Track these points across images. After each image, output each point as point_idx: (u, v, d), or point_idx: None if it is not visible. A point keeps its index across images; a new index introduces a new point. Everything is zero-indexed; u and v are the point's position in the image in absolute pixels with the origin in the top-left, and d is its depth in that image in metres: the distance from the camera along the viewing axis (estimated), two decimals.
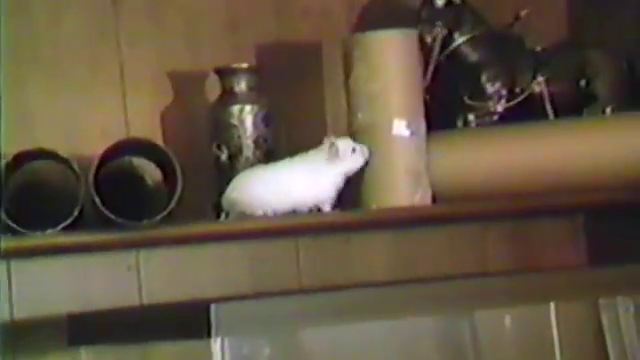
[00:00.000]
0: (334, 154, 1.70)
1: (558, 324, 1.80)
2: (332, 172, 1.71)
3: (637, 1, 1.97)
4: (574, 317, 1.92)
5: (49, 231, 1.58)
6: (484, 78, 1.89)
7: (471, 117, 1.89)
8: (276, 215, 1.70)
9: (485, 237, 2.01)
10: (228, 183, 1.73)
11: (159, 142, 1.70)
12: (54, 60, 1.76)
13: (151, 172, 1.69)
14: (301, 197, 1.69)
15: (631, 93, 1.91)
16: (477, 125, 1.89)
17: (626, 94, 1.91)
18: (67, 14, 1.77)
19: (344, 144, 1.71)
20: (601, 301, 1.81)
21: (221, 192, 1.75)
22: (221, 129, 1.74)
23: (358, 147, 1.72)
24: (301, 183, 1.69)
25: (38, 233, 1.57)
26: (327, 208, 1.71)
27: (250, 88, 1.75)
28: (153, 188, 1.71)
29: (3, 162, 1.59)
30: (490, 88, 1.90)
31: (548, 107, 1.88)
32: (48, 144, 1.62)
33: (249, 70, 1.76)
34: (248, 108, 1.74)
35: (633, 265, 1.76)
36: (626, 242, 2.00)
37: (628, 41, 1.96)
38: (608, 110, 1.88)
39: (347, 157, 1.71)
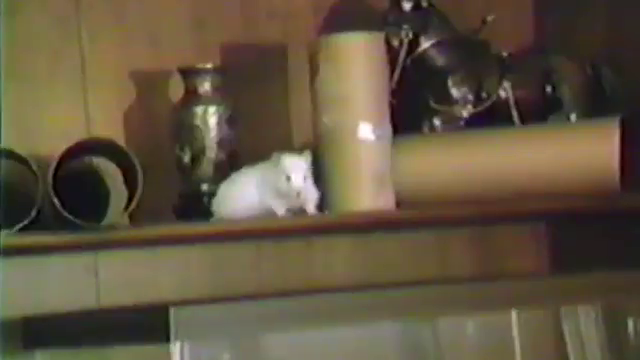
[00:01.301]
0: (279, 168, 1.67)
1: (520, 331, 1.80)
2: (280, 185, 1.68)
3: (603, 8, 1.98)
4: (536, 325, 1.91)
5: (5, 232, 1.55)
6: (450, 83, 1.89)
7: (437, 122, 1.89)
8: (237, 219, 1.69)
9: (448, 242, 2.01)
10: (190, 185, 1.72)
11: (120, 142, 1.68)
12: (13, 56, 1.73)
13: (111, 172, 1.66)
14: (252, 206, 1.67)
15: (596, 100, 1.91)
16: (443, 130, 1.88)
17: (591, 101, 1.91)
18: (27, 9, 1.74)
19: (289, 159, 1.67)
20: (563, 309, 1.81)
21: (182, 194, 1.73)
22: (184, 130, 1.72)
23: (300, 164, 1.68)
24: (252, 192, 1.67)
25: None
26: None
27: (214, 89, 1.73)
28: (113, 189, 1.68)
29: None
30: (456, 93, 1.89)
31: (514, 113, 1.88)
32: (6, 142, 1.60)
33: (213, 70, 1.74)
34: (212, 109, 1.72)
35: (595, 273, 1.77)
36: (588, 250, 2.00)
37: (593, 48, 1.97)
38: (573, 116, 1.89)
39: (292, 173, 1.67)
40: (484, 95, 1.89)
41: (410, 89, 1.88)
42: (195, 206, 1.71)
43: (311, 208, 1.69)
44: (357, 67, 1.77)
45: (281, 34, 1.89)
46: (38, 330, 1.58)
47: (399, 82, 1.87)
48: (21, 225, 1.56)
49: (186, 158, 1.72)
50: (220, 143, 1.72)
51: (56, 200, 1.55)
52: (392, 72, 1.86)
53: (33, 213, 1.56)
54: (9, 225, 1.56)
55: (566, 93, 1.89)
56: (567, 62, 1.91)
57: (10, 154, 1.58)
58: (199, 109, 1.72)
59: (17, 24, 1.73)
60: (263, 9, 1.89)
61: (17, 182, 1.61)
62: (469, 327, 1.83)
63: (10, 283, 1.69)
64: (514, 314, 1.79)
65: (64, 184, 1.58)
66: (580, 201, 1.81)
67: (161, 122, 1.77)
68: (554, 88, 1.89)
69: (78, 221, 1.56)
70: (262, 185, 1.67)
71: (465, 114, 1.89)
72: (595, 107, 1.90)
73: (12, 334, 1.60)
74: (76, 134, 1.69)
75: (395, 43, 1.87)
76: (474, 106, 1.89)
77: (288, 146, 1.89)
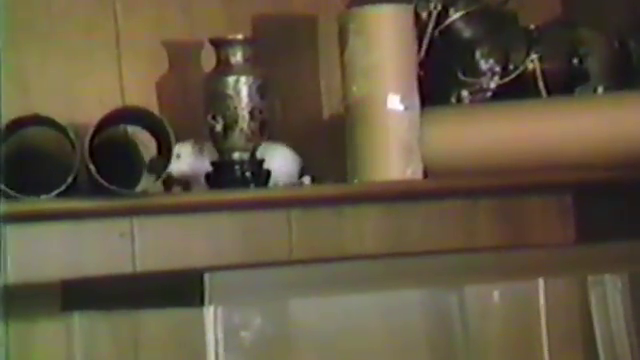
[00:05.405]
0: None
1: (546, 300, 1.82)
2: None
3: None
4: (562, 293, 1.93)
5: (43, 197, 1.58)
6: (478, 55, 1.90)
7: (464, 93, 1.90)
8: (267, 187, 1.72)
9: (475, 213, 2.02)
10: (222, 154, 1.74)
11: (154, 111, 1.70)
12: (50, 27, 1.76)
13: (145, 141, 1.69)
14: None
15: (623, 72, 1.92)
16: (470, 101, 1.90)
17: (618, 73, 1.92)
18: None
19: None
20: (589, 278, 1.82)
21: (214, 162, 1.76)
22: (216, 99, 1.74)
23: None
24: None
25: (33, 198, 1.57)
26: None
27: (246, 59, 1.75)
28: (147, 156, 1.71)
29: None
30: (484, 65, 1.91)
31: (541, 85, 1.90)
32: (43, 110, 1.62)
33: (245, 41, 1.75)
34: (243, 79, 1.74)
35: (622, 243, 1.78)
36: (613, 220, 2.01)
37: (621, 20, 1.97)
38: (600, 89, 1.89)
39: None
40: (511, 67, 1.90)
41: (438, 61, 1.89)
42: (227, 174, 1.74)
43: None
44: (386, 39, 1.79)
45: (311, 6, 1.91)
46: (76, 293, 1.61)
47: (427, 54, 1.88)
48: (59, 191, 1.58)
49: (218, 127, 1.74)
50: (252, 113, 1.74)
51: (92, 167, 1.58)
52: (420, 44, 1.87)
53: (70, 179, 1.59)
54: (47, 191, 1.59)
55: (593, 65, 1.90)
56: (595, 34, 1.92)
57: (49, 122, 1.61)
58: (231, 79, 1.74)
59: None
60: None
61: (55, 149, 1.63)
62: (496, 295, 1.85)
63: (49, 247, 1.72)
64: (541, 283, 1.80)
65: (100, 152, 1.61)
66: (605, 172, 1.82)
67: (194, 92, 1.79)
68: (581, 60, 1.90)
69: (113, 187, 1.58)
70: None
71: (492, 86, 1.90)
72: (622, 79, 1.91)
73: (51, 296, 1.63)
74: (111, 103, 1.70)
75: (424, 15, 1.88)
76: (501, 78, 1.90)
77: (318, 116, 1.92)
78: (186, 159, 1.74)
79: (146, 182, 1.63)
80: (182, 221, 1.80)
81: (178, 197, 1.69)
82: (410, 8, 1.83)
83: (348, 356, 1.71)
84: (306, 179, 1.79)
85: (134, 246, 1.77)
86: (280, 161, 1.77)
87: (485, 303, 1.84)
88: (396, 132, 1.79)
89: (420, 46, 1.87)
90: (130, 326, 1.71)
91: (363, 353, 1.73)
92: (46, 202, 1.58)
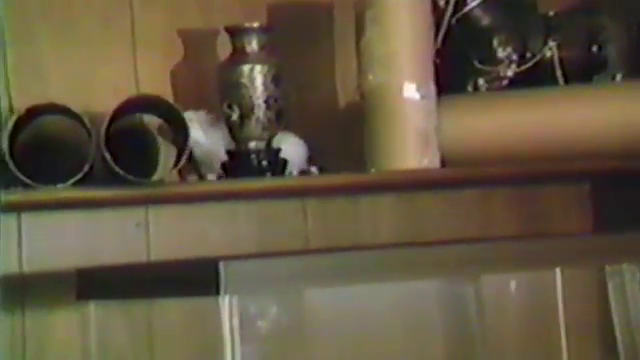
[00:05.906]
0: None
1: (563, 290, 1.81)
2: None
3: None
4: (580, 283, 1.92)
5: (59, 185, 1.58)
6: (495, 42, 1.89)
7: (481, 81, 1.89)
8: (283, 176, 1.71)
9: (492, 202, 2.02)
10: (238, 143, 1.74)
11: (169, 100, 1.70)
12: (65, 16, 1.76)
13: (161, 130, 1.69)
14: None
15: None
16: (487, 89, 1.89)
17: (637, 61, 1.91)
18: None
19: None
20: (607, 268, 1.81)
21: (230, 151, 1.75)
22: (232, 88, 1.74)
23: None
24: None
25: (49, 186, 1.58)
26: None
27: (261, 48, 1.75)
28: (162, 145, 1.70)
29: (15, 116, 1.60)
30: (501, 52, 1.89)
31: (558, 72, 1.89)
32: (59, 99, 1.62)
33: (260, 29, 1.75)
34: (259, 68, 1.74)
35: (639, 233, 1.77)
36: (632, 210, 2.00)
37: None
38: (618, 77, 1.88)
39: None
40: (529, 55, 1.89)
41: (455, 49, 1.88)
42: (243, 163, 1.73)
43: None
44: (403, 27, 1.78)
45: None
46: (91, 282, 1.61)
47: (444, 42, 1.87)
48: (75, 179, 1.59)
49: (234, 116, 1.74)
50: (267, 101, 1.74)
51: (108, 156, 1.58)
52: (437, 31, 1.87)
53: (86, 168, 1.59)
54: (63, 179, 1.59)
55: (612, 53, 1.89)
56: (613, 22, 1.90)
57: (65, 110, 1.61)
58: (246, 67, 1.73)
59: None
60: None
61: (71, 138, 1.63)
62: (512, 285, 1.84)
63: (64, 235, 1.72)
64: (558, 272, 1.79)
65: (115, 141, 1.61)
66: (624, 161, 1.81)
67: (209, 80, 1.79)
68: (600, 48, 1.89)
69: (129, 176, 1.58)
70: None
71: (509, 74, 1.90)
72: None
73: (66, 285, 1.63)
74: (126, 92, 1.70)
75: (441, 2, 1.87)
76: (518, 66, 1.89)
77: (333, 105, 1.91)
78: (197, 126, 1.73)
79: (162, 171, 1.63)
80: (198, 210, 1.80)
81: (194, 186, 1.69)
82: None
83: (363, 345, 1.70)
84: (313, 169, 1.78)
85: (149, 235, 1.77)
86: (288, 150, 1.76)
87: (502, 293, 1.83)
88: (412, 121, 1.78)
89: (437, 34, 1.86)
90: (145, 315, 1.71)
91: (378, 342, 1.72)
92: (62, 191, 1.58)
